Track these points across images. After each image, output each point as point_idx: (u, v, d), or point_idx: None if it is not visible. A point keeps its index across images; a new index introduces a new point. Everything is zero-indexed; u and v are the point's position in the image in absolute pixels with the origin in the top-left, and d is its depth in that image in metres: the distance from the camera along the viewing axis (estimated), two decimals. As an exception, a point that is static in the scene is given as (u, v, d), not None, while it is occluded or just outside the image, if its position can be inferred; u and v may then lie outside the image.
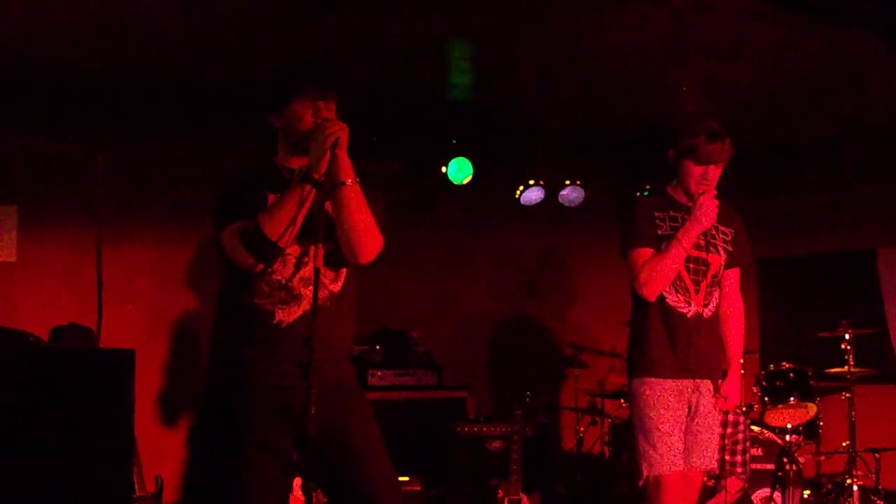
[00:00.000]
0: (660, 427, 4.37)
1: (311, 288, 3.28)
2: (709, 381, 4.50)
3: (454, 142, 7.30)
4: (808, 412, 6.62)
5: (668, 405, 4.39)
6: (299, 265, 3.46)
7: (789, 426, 6.58)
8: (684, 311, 4.44)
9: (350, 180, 3.39)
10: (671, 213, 4.50)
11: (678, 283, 4.44)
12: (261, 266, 3.37)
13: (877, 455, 6.73)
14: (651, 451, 4.37)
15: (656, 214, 4.50)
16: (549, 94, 6.77)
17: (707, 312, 4.51)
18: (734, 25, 5.27)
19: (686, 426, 4.46)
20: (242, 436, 3.35)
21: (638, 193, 4.71)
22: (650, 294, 4.42)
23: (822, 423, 6.81)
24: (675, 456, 4.37)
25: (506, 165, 7.72)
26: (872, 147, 7.62)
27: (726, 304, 4.66)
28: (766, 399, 6.58)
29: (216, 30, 5.35)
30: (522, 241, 8.16)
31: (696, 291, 4.48)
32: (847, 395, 6.71)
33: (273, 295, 3.42)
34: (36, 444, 3.57)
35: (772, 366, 6.76)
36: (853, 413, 6.68)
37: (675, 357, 4.42)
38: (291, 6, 5.04)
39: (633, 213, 4.56)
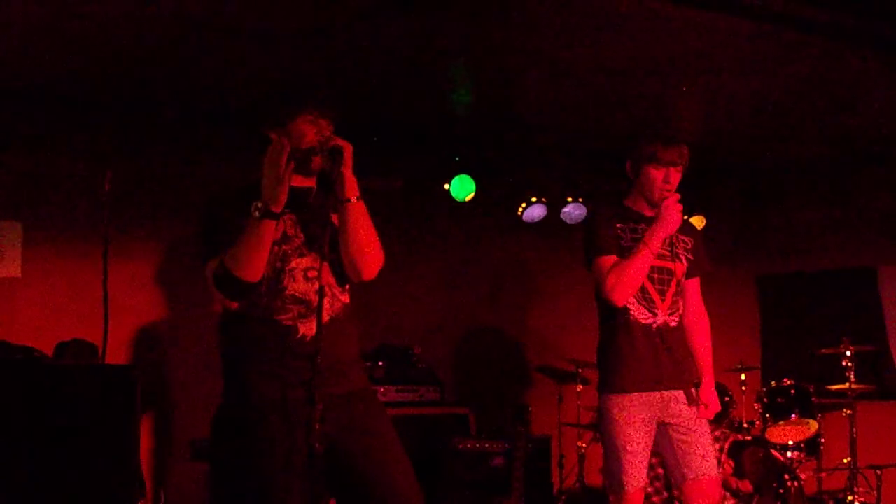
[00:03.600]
0: (628, 448, 4.37)
1: (326, 299, 3.32)
2: (680, 391, 4.49)
3: (456, 159, 7.32)
4: (809, 429, 6.64)
5: (637, 423, 4.39)
6: (308, 278, 3.47)
7: (791, 443, 6.60)
8: (649, 322, 4.44)
9: (355, 198, 3.41)
10: (631, 225, 4.50)
11: (642, 293, 4.43)
12: (236, 305, 3.41)
13: (878, 472, 6.74)
14: (619, 472, 4.38)
15: (618, 225, 4.51)
16: (552, 112, 6.80)
17: (673, 322, 4.51)
18: (733, 44, 5.30)
19: (671, 441, 4.46)
20: (274, 451, 3.33)
21: (594, 207, 4.72)
22: (618, 299, 4.39)
23: (823, 440, 6.82)
24: (640, 475, 4.39)
25: (508, 182, 7.73)
26: (874, 164, 7.65)
27: (691, 313, 4.65)
28: (768, 415, 6.60)
29: (221, 46, 5.38)
30: (524, 258, 8.18)
31: (662, 301, 4.48)
32: (848, 411, 6.72)
33: (291, 310, 3.44)
34: (40, 460, 3.59)
35: (773, 382, 6.79)
36: (854, 430, 6.69)
37: (642, 370, 4.41)
38: (294, 23, 5.07)
39: (593, 223, 4.55)
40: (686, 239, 4.64)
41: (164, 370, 6.61)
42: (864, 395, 6.79)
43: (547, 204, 7.71)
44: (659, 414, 4.44)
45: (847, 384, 6.63)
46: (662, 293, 4.48)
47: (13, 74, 5.76)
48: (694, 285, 4.69)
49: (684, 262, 4.59)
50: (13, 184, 6.15)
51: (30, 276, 6.25)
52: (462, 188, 7.25)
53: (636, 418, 4.39)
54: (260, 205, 3.29)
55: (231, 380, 3.55)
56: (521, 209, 7.69)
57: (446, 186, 7.25)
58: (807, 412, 6.61)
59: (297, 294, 3.44)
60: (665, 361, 4.45)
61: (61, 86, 6.00)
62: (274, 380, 3.41)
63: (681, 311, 4.58)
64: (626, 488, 4.38)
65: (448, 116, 6.91)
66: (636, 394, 4.41)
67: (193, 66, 5.72)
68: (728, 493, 5.90)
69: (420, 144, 7.33)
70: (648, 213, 4.53)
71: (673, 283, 4.52)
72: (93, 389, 3.79)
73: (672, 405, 4.46)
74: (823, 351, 6.81)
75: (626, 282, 4.37)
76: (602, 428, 4.53)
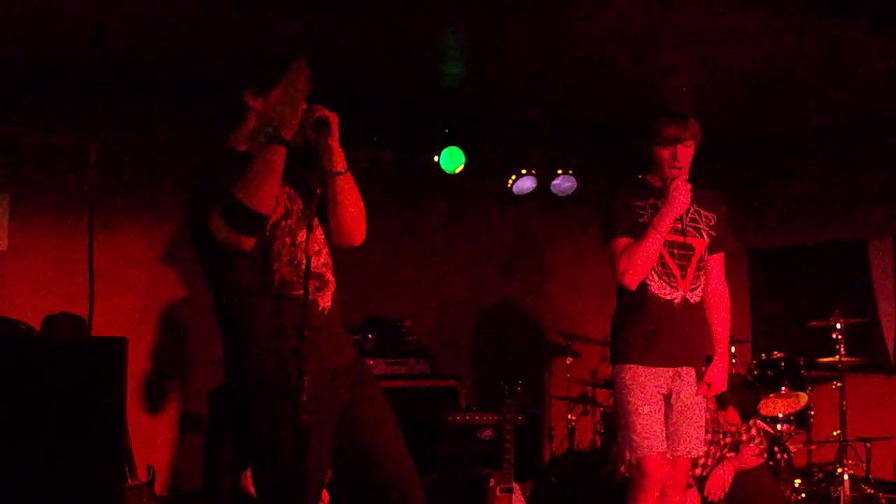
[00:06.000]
0: (640, 410, 4.38)
1: (329, 272, 3.32)
2: (692, 368, 4.49)
3: (446, 131, 7.28)
4: (799, 401, 6.64)
5: (648, 390, 4.41)
6: (314, 252, 3.40)
7: (780, 415, 6.60)
8: (670, 297, 4.43)
9: (344, 170, 3.37)
10: (651, 201, 4.49)
11: (663, 269, 4.44)
12: (251, 242, 3.22)
13: (867, 444, 6.77)
14: (632, 435, 4.39)
15: (637, 203, 4.50)
16: (542, 84, 6.76)
17: (694, 298, 4.50)
18: (724, 14, 5.26)
19: (667, 414, 4.47)
20: (311, 422, 3.18)
21: (619, 185, 4.71)
22: (630, 282, 4.42)
23: (813, 413, 6.83)
24: (656, 438, 4.38)
25: (498, 155, 7.71)
26: (865, 137, 7.63)
27: (712, 289, 4.64)
28: (758, 388, 6.60)
29: (209, 17, 5.33)
30: (514, 231, 8.16)
31: (683, 276, 4.47)
32: (838, 384, 6.72)
33: (308, 284, 3.29)
34: (28, 433, 3.56)
35: (763, 355, 6.78)
36: (844, 402, 6.70)
37: (657, 345, 4.41)
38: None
39: (612, 203, 4.55)
40: (709, 215, 4.62)
41: (154, 344, 6.60)
42: (854, 367, 6.80)
43: (537, 176, 7.68)
44: (668, 388, 4.45)
45: (837, 357, 6.62)
46: (683, 268, 4.48)
47: (0, 46, 5.72)
48: (717, 261, 4.67)
49: (706, 238, 4.57)
50: (0, 156, 6.11)
51: (16, 248, 6.22)
52: (452, 160, 7.22)
53: (647, 385, 4.41)
54: (270, 130, 3.20)
55: (250, 361, 3.39)
56: (510, 181, 7.66)
57: (436, 159, 7.21)
58: (797, 385, 6.61)
59: (310, 267, 3.37)
60: (681, 337, 4.45)
61: (47, 57, 5.94)
62: (303, 354, 3.30)
63: (703, 288, 4.58)
64: (644, 452, 4.37)
65: (438, 88, 6.87)
66: (649, 367, 4.42)
67: (181, 36, 5.67)
68: (727, 434, 5.82)
69: (410, 116, 7.30)
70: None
71: (694, 260, 4.51)
72: (80, 362, 3.76)
73: (680, 381, 4.47)
74: (814, 323, 6.81)
75: (636, 265, 4.39)
76: (616, 396, 4.54)
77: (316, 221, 3.33)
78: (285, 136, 3.18)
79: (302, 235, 3.40)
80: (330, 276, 3.46)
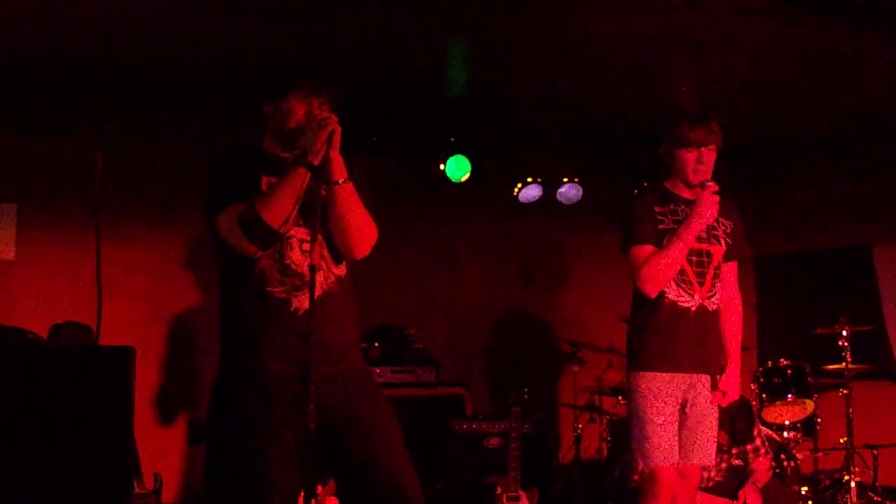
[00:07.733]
0: (655, 419, 4.38)
1: (320, 273, 3.32)
2: (706, 377, 4.50)
3: (452, 139, 7.28)
4: (805, 409, 6.63)
5: (664, 398, 4.41)
6: (303, 250, 3.44)
7: (787, 423, 6.60)
8: (687, 304, 4.44)
9: (342, 179, 3.40)
10: (671, 207, 4.50)
11: (681, 276, 4.44)
12: (257, 252, 3.37)
13: (874, 451, 6.75)
14: (646, 444, 4.39)
15: (657, 209, 4.50)
16: (548, 92, 6.76)
17: (711, 305, 4.51)
18: (727, 20, 5.27)
19: (681, 421, 4.47)
20: (262, 426, 3.32)
21: (636, 191, 4.71)
22: (652, 291, 4.42)
23: (819, 420, 6.82)
24: (669, 448, 4.39)
25: (504, 163, 7.71)
26: (871, 143, 7.62)
27: (725, 298, 4.65)
28: (764, 396, 6.59)
29: (215, 26, 5.35)
30: (520, 239, 8.16)
31: (701, 284, 4.47)
32: (844, 391, 6.71)
33: (286, 282, 3.41)
34: (35, 442, 3.57)
35: (769, 362, 6.77)
36: (851, 409, 6.69)
37: (674, 352, 4.42)
38: (290, 2, 5.04)
39: (632, 209, 4.55)
40: (726, 222, 4.63)
41: (161, 352, 6.60)
42: (860, 374, 6.79)
43: (543, 184, 7.68)
44: (683, 395, 4.45)
45: (843, 364, 6.62)
46: (702, 276, 4.48)
47: (6, 55, 5.72)
48: (730, 269, 4.69)
49: (723, 245, 4.58)
50: (7, 165, 6.12)
51: (24, 258, 6.23)
52: (458, 169, 7.22)
53: (663, 393, 4.41)
54: (297, 152, 3.32)
55: (227, 353, 3.54)
56: (517, 189, 7.66)
57: (442, 167, 7.21)
58: (803, 392, 6.60)
59: (292, 265, 3.42)
60: (697, 345, 4.46)
61: (55, 67, 5.96)
62: (267, 355, 3.39)
63: (719, 295, 4.59)
64: (656, 462, 4.38)
65: (444, 97, 6.88)
66: (665, 374, 4.41)
67: (189, 43, 5.69)
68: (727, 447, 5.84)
69: (416, 125, 7.30)
70: (687, 195, 4.52)
71: (712, 267, 4.52)
72: (88, 371, 3.77)
73: (696, 389, 4.48)
74: (820, 331, 6.80)
75: (660, 275, 4.41)
76: (631, 403, 4.54)
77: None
78: (312, 161, 3.30)
79: (293, 231, 3.44)
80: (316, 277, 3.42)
